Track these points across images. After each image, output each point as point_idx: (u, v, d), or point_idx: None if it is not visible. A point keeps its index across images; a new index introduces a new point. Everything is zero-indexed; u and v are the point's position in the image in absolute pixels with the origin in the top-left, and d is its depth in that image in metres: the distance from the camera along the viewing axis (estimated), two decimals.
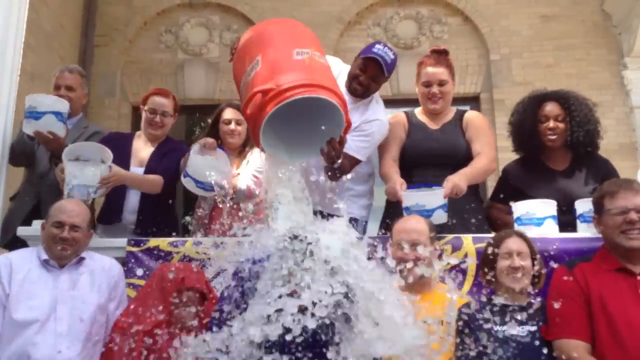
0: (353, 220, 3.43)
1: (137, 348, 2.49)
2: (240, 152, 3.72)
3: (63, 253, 2.74)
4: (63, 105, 3.41)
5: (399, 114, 3.64)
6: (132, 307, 2.66)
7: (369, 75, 3.35)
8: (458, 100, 4.75)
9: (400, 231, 2.72)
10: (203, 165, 3.29)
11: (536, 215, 3.05)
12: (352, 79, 3.39)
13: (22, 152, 3.57)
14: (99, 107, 7.31)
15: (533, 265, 2.59)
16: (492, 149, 3.40)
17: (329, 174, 3.32)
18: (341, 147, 3.03)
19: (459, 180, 3.08)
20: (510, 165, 3.62)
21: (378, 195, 3.64)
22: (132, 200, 3.57)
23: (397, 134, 3.50)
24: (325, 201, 3.44)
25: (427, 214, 2.90)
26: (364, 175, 3.54)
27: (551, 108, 3.44)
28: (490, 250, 2.64)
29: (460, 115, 3.55)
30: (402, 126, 3.54)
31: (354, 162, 3.34)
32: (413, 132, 3.51)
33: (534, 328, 2.49)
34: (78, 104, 3.87)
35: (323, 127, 2.76)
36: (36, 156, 3.64)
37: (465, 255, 2.92)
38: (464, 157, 3.38)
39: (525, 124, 3.47)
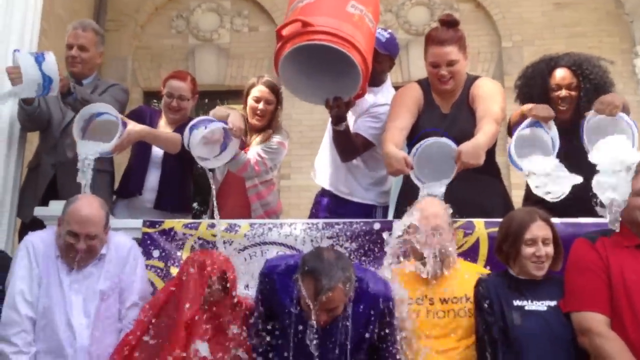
0: (372, 208, 3.46)
1: None
2: (260, 131, 3.59)
3: (79, 263, 2.65)
4: (28, 55, 3.03)
5: (415, 85, 3.32)
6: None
7: None
8: None
9: (421, 218, 2.61)
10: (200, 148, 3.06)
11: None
12: None
13: (24, 118, 3.35)
14: None
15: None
16: (495, 110, 3.06)
17: (341, 154, 3.36)
18: (345, 109, 3.09)
19: (473, 155, 2.82)
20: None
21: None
22: (152, 178, 3.58)
23: (409, 105, 3.21)
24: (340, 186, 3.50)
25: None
26: (381, 162, 3.54)
27: (563, 75, 3.28)
28: (512, 230, 2.58)
29: (468, 88, 3.22)
30: (416, 101, 3.23)
31: (366, 143, 3.36)
32: (425, 115, 3.21)
33: (553, 303, 2.48)
34: (92, 64, 3.62)
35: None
36: (50, 118, 3.48)
37: (477, 240, 2.92)
38: None
39: (534, 91, 3.31)
